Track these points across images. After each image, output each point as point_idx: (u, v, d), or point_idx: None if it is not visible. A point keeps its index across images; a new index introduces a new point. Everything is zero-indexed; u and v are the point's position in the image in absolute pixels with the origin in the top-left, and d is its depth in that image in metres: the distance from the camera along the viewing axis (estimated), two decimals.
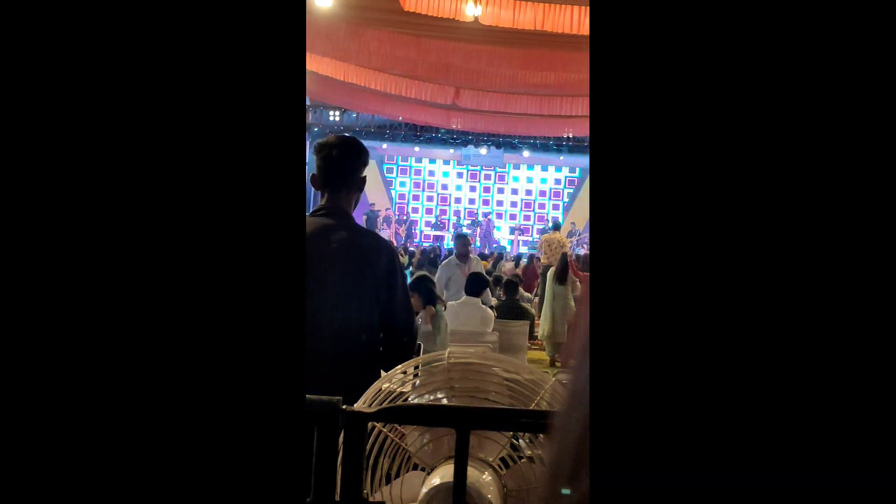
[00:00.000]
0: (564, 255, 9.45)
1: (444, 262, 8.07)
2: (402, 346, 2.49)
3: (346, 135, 2.57)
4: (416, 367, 1.55)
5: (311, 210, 2.55)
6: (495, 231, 20.02)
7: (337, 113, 17.44)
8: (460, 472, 1.23)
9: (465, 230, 19.49)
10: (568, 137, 17.40)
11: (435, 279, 6.54)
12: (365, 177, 2.57)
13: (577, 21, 8.42)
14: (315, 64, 11.29)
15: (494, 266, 13.83)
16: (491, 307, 7.20)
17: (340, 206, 2.51)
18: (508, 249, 18.93)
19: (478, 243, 19.42)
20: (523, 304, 8.27)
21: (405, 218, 20.47)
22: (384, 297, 2.43)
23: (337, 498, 1.25)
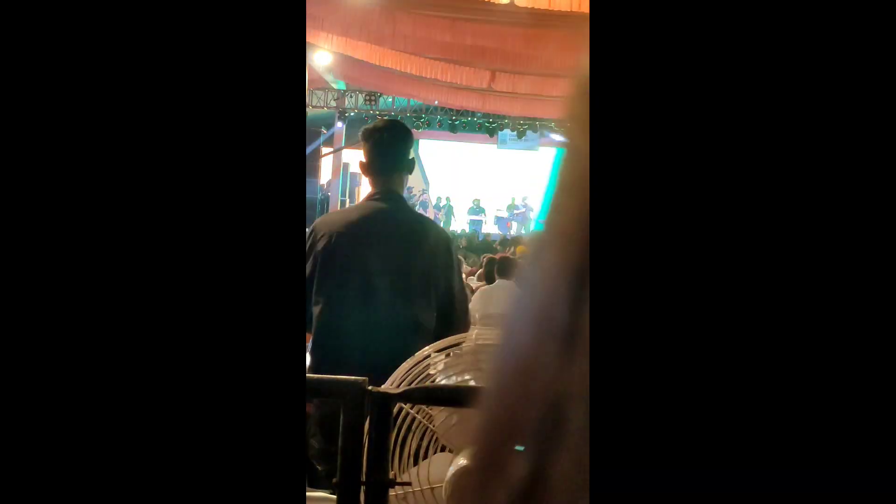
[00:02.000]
0: None
1: None
2: (450, 332, 2.51)
3: (394, 118, 2.59)
4: (445, 349, 1.54)
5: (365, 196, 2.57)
6: (531, 214, 19.96)
7: (372, 97, 17.48)
8: None
9: (502, 214, 19.45)
10: None
11: None
12: (413, 159, 2.57)
13: None
14: (350, 48, 11.30)
15: None
16: None
17: (394, 190, 2.51)
18: None
19: (513, 229, 19.37)
20: None
21: (443, 203, 20.47)
22: (443, 284, 2.42)
23: (363, 478, 1.25)
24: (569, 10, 8.71)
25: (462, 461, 1.36)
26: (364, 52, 11.51)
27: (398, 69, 12.17)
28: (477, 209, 20.39)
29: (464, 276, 8.37)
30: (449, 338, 1.53)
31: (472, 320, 5.99)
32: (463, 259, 9.41)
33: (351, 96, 18.05)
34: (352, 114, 18.02)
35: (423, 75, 12.47)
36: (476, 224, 19.68)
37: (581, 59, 0.67)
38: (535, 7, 8.88)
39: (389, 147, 2.53)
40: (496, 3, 8.75)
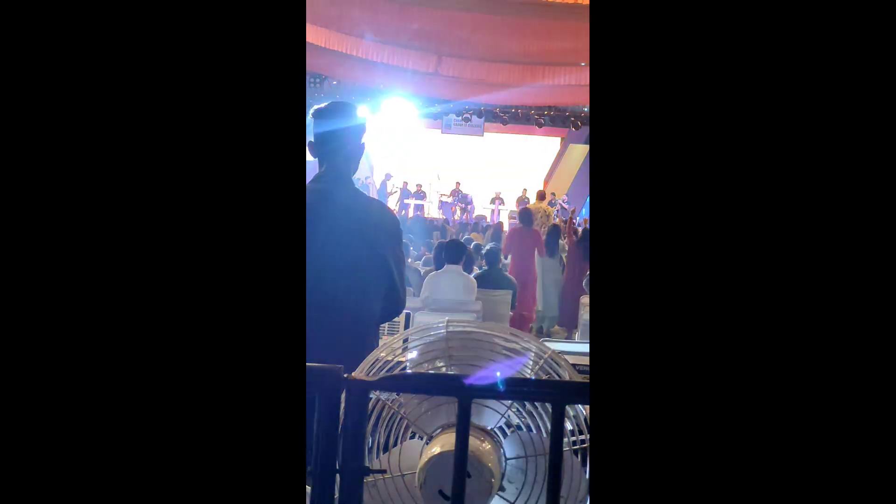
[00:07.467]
0: (556, 227, 9.31)
1: None
2: (393, 315, 2.51)
3: (344, 100, 2.52)
4: (415, 336, 1.53)
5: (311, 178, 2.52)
6: (474, 200, 20.00)
7: (317, 80, 17.25)
8: (462, 442, 1.23)
9: (447, 199, 19.43)
10: (549, 107, 17.33)
11: None
12: (364, 143, 2.53)
13: None
14: None
15: (494, 237, 13.82)
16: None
17: (342, 173, 2.47)
18: (488, 220, 18.93)
19: (457, 214, 19.38)
20: (505, 273, 8.27)
21: (392, 188, 20.33)
22: (390, 266, 2.41)
23: (338, 466, 1.24)
24: None
25: (435, 449, 1.36)
26: (309, 34, 11.36)
27: (344, 52, 12.05)
28: (420, 194, 20.33)
29: (409, 259, 8.36)
30: (420, 325, 1.53)
31: (420, 304, 5.95)
32: (409, 243, 9.39)
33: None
34: None
35: (370, 58, 12.37)
36: (419, 209, 19.64)
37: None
38: None
39: (339, 129, 2.49)
40: None
